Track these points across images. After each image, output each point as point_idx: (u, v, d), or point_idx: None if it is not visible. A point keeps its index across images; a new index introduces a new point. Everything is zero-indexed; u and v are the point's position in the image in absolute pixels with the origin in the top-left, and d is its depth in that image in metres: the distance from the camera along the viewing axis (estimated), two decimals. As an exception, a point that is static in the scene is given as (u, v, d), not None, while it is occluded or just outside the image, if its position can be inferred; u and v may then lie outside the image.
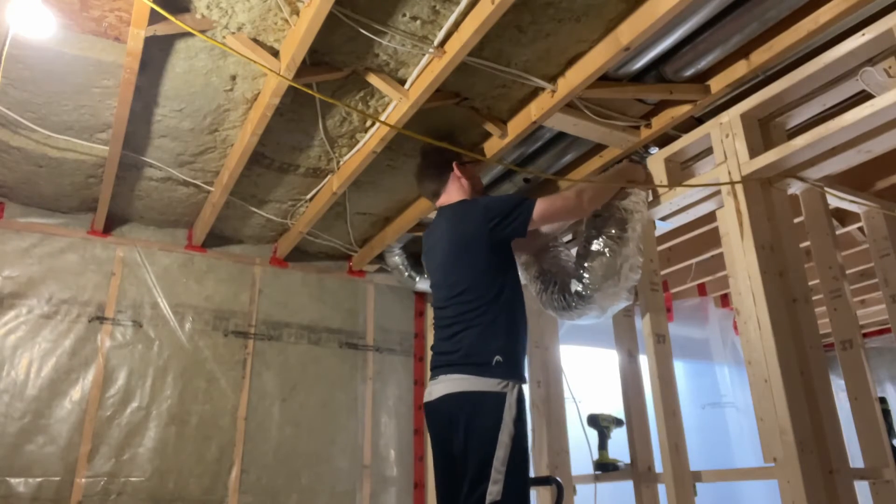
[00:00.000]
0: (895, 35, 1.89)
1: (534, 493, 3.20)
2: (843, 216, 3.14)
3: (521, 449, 1.89)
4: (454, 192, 2.41)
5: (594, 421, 2.76)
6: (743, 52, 2.20)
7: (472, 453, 1.86)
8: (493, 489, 1.80)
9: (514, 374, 1.95)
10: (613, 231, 2.39)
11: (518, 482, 1.86)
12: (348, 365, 3.94)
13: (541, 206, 2.12)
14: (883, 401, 4.80)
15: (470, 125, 2.71)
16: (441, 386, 1.99)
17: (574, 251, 2.58)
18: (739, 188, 2.27)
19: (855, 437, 2.18)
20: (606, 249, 2.36)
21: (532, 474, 3.13)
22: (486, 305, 2.02)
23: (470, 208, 2.25)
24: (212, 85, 2.45)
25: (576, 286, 2.39)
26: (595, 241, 2.40)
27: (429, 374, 2.17)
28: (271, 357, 3.72)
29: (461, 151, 2.43)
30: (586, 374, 4.02)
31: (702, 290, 4.60)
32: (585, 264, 2.38)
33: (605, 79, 2.35)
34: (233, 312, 3.70)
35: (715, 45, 2.16)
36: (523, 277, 2.75)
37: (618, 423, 2.76)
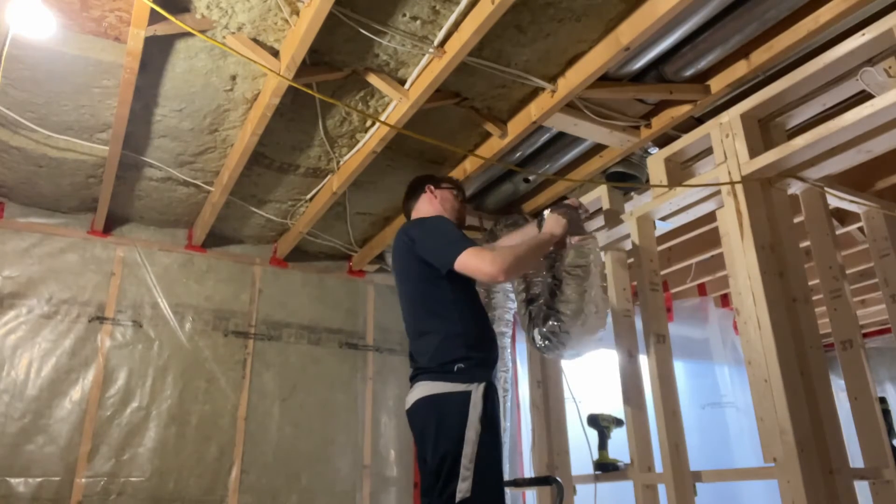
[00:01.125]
0: (895, 35, 1.89)
1: (533, 493, 3.20)
2: (843, 216, 3.14)
3: (489, 446, 1.88)
4: (423, 208, 2.33)
5: (594, 421, 2.76)
6: (743, 52, 2.20)
7: (442, 452, 1.87)
8: (463, 486, 1.80)
9: (478, 375, 1.95)
10: (569, 293, 2.38)
11: (488, 479, 1.85)
12: (348, 365, 3.94)
13: (463, 258, 1.96)
14: (883, 401, 4.80)
15: (470, 125, 2.71)
16: (413, 393, 2.03)
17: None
18: (739, 188, 2.27)
19: (855, 437, 2.18)
20: (566, 310, 2.37)
21: (532, 474, 3.14)
22: (439, 315, 2.04)
23: (418, 224, 2.18)
24: (212, 85, 2.45)
25: (544, 333, 2.43)
26: (552, 308, 2.40)
27: None
28: (271, 357, 3.72)
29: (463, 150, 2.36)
30: (586, 374, 4.02)
31: (702, 290, 4.60)
32: (549, 323, 2.40)
33: (605, 79, 2.35)
34: (233, 312, 3.70)
35: (715, 45, 2.16)
36: (515, 302, 2.75)
37: (618, 423, 2.76)
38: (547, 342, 2.43)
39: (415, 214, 2.35)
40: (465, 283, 2.12)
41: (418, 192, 2.36)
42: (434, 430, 1.91)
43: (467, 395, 1.90)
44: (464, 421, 1.87)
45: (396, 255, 2.20)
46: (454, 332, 2.01)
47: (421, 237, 2.09)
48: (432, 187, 2.35)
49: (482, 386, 1.93)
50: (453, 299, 2.07)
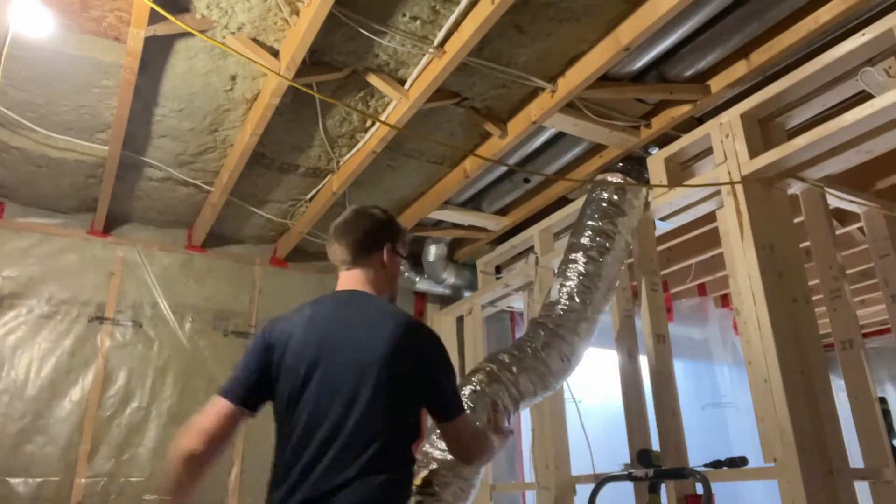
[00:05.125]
0: (895, 35, 1.89)
1: (533, 494, 3.20)
2: (843, 216, 3.14)
3: None
4: (370, 274, 1.72)
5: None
6: (743, 52, 2.20)
7: None
8: None
9: None
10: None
11: None
12: (348, 365, 3.93)
13: (464, 423, 1.61)
14: (883, 401, 4.77)
15: (470, 125, 2.71)
16: None
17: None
18: (739, 188, 2.27)
19: (855, 437, 2.18)
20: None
21: (532, 474, 3.13)
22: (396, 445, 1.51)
23: (430, 340, 1.62)
24: (212, 85, 2.45)
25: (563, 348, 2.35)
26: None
27: None
28: (271, 357, 3.71)
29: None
30: (586, 374, 4.01)
31: (702, 290, 4.59)
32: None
33: (605, 79, 2.35)
34: (233, 312, 3.70)
35: (715, 45, 2.16)
36: None
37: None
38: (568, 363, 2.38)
39: (358, 272, 1.72)
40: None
41: (374, 245, 1.73)
42: None
43: None
44: None
45: (364, 335, 1.57)
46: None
47: (437, 364, 1.59)
48: (391, 248, 1.75)
49: None
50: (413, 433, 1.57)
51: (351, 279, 1.73)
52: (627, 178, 2.63)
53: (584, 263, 2.44)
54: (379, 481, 1.42)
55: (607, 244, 2.46)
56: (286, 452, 1.49)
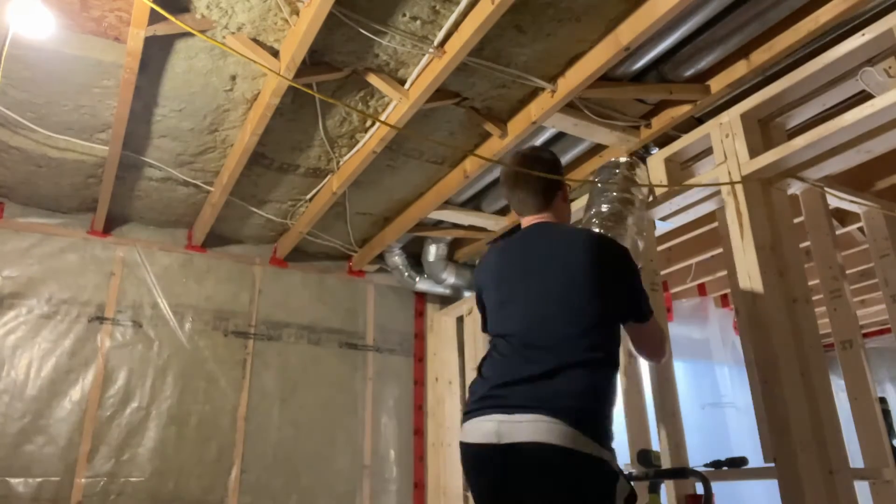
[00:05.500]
0: (895, 35, 1.89)
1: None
2: (843, 216, 3.14)
3: None
4: (558, 211, 1.83)
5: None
6: (743, 52, 2.20)
7: None
8: None
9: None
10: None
11: None
12: (348, 365, 3.94)
13: (655, 323, 1.73)
14: (883, 401, 4.79)
15: (470, 125, 2.71)
16: (527, 427, 1.45)
17: None
18: (739, 188, 2.27)
19: (855, 437, 2.18)
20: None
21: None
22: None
23: (616, 248, 1.75)
24: (212, 85, 2.45)
25: None
26: None
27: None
28: (271, 357, 3.72)
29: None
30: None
31: (702, 290, 4.60)
32: None
33: (605, 79, 2.35)
34: (233, 312, 3.70)
35: (715, 45, 2.16)
36: None
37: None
38: None
39: (545, 214, 1.80)
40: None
41: (556, 188, 1.82)
42: None
43: (614, 475, 1.47)
44: None
45: (564, 247, 1.68)
46: (603, 379, 1.56)
47: (626, 268, 1.69)
48: (564, 184, 1.86)
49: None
50: (612, 343, 1.63)
51: (536, 219, 1.82)
52: (633, 157, 2.63)
53: (607, 212, 2.44)
54: (574, 377, 1.49)
55: (627, 205, 2.46)
56: (487, 358, 1.67)
